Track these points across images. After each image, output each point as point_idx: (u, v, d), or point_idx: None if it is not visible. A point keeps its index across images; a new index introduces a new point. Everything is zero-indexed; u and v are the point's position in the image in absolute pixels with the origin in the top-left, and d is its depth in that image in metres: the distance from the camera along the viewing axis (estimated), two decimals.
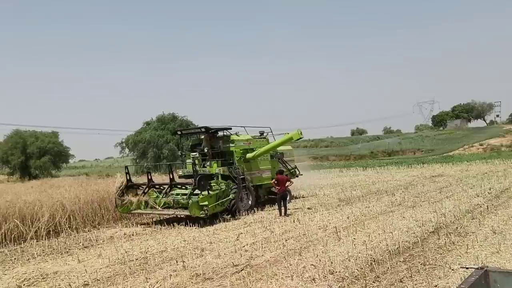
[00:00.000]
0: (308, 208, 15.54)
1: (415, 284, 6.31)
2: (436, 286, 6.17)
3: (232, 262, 8.32)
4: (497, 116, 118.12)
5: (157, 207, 14.19)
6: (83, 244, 11.60)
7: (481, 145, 70.18)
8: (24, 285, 7.83)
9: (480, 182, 20.70)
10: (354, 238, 9.70)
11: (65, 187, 19.88)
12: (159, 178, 20.56)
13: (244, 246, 9.74)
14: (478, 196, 15.49)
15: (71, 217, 14.25)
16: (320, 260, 7.84)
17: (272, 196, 17.33)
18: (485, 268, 2.78)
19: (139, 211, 14.96)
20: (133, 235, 12.57)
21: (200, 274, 7.68)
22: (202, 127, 16.24)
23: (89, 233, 13.26)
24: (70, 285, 7.49)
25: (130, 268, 8.46)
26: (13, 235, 12.46)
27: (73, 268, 8.94)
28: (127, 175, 15.59)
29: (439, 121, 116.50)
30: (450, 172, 29.83)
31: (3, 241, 12.23)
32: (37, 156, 53.13)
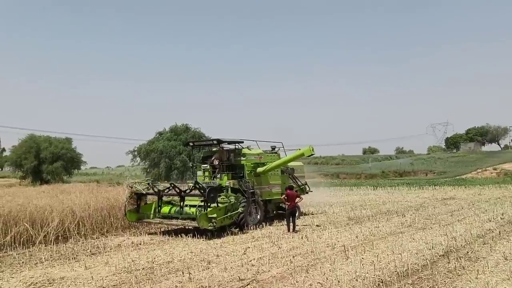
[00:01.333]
0: (317, 225, 15.44)
1: None
2: None
3: (238, 276, 8.28)
4: None
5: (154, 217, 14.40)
6: (90, 251, 11.65)
7: (494, 169, 69.26)
8: None
9: (493, 206, 20.39)
10: (362, 258, 9.60)
11: (75, 193, 20.05)
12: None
13: (251, 261, 9.69)
14: (490, 221, 15.24)
15: (80, 223, 14.36)
16: (327, 279, 7.77)
17: (281, 212, 17.26)
18: None
19: (147, 220, 15.03)
20: (140, 244, 12.59)
21: (206, 286, 7.65)
22: (214, 140, 16.32)
23: (97, 240, 13.32)
24: None
25: (136, 277, 8.46)
26: (22, 239, 12.58)
27: (80, 274, 8.97)
28: (147, 186, 15.72)
29: (452, 143, 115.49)
30: (462, 195, 29.44)
31: (12, 244, 12.35)
32: (49, 161, 53.77)
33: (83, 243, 12.87)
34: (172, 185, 15.10)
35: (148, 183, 15.70)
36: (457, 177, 60.94)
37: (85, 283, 8.18)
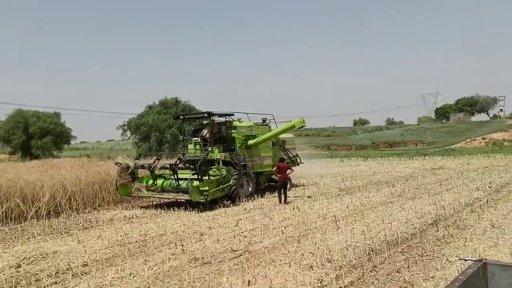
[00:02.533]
0: (308, 197, 15.58)
1: (412, 275, 6.33)
2: (433, 277, 6.20)
3: (231, 248, 8.37)
4: (501, 110, 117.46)
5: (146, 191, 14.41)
6: (83, 225, 11.68)
7: (483, 139, 69.95)
8: (24, 263, 7.89)
9: (481, 176, 20.70)
10: (353, 228, 9.73)
11: (66, 168, 19.94)
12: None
13: (243, 232, 9.78)
14: (478, 189, 15.49)
15: (72, 198, 14.33)
16: (318, 248, 7.88)
17: (273, 184, 17.37)
18: (483, 261, 2.78)
19: (139, 194, 15.01)
20: (133, 217, 12.64)
21: (199, 258, 7.72)
22: (205, 112, 16.21)
23: (89, 215, 13.34)
24: (69, 265, 7.54)
25: (129, 250, 8.52)
26: (13, 214, 12.54)
27: (73, 248, 9.00)
28: (136, 159, 15.70)
29: (442, 113, 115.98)
30: (451, 165, 29.82)
31: (4, 219, 12.32)
32: (38, 136, 53.19)
33: (75, 217, 12.88)
34: (157, 159, 15.06)
35: (137, 157, 15.55)
36: (447, 147, 61.55)
37: (78, 256, 8.22)
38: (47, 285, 6.52)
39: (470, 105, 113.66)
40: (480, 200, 13.10)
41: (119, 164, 15.07)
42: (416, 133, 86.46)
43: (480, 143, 66.75)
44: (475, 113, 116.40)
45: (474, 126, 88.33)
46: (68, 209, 13.78)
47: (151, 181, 14.98)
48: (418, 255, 7.34)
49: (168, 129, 47.91)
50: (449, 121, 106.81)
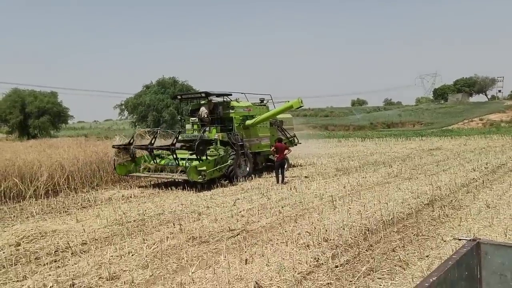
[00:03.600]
0: (305, 177, 15.66)
1: (407, 254, 6.42)
2: (428, 256, 6.29)
3: (228, 227, 8.45)
4: (499, 91, 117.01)
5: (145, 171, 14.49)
6: (81, 204, 11.74)
7: (481, 120, 70.02)
8: (23, 242, 7.96)
9: (478, 156, 20.80)
10: (349, 208, 9.82)
11: (63, 147, 19.97)
12: (159, 142, 20.53)
13: (240, 212, 9.86)
14: (474, 170, 15.58)
15: (70, 178, 14.39)
16: (315, 228, 7.96)
17: (270, 164, 17.42)
18: (477, 240, 2.82)
19: (137, 174, 15.07)
20: (131, 197, 12.71)
21: (197, 237, 7.80)
22: (202, 92, 16.16)
23: (88, 194, 13.40)
24: (68, 243, 7.62)
25: (127, 229, 8.59)
26: (12, 193, 12.60)
27: (72, 227, 9.07)
28: (132, 138, 15.63)
29: (440, 94, 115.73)
30: (448, 146, 29.90)
31: (3, 198, 12.39)
32: (35, 115, 53.04)
33: (73, 196, 12.95)
34: (154, 137, 15.03)
35: (133, 137, 15.46)
36: (444, 128, 61.61)
37: (77, 235, 8.29)
38: (47, 263, 6.60)
39: (469, 86, 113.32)
40: (476, 180, 13.20)
41: (116, 147, 15.04)
42: (414, 114, 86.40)
43: (478, 124, 66.83)
44: (473, 94, 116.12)
45: (472, 107, 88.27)
46: (67, 189, 13.85)
47: (150, 161, 15.04)
48: (414, 235, 7.43)
49: (166, 108, 47.82)
50: (447, 101, 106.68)
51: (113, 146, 15.29)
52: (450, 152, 24.36)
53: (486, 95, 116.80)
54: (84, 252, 7.23)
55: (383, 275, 5.66)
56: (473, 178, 13.65)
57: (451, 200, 10.27)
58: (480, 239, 2.86)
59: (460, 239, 3.01)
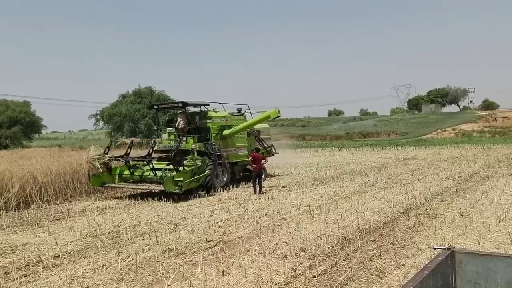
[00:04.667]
0: (283, 187, 15.67)
1: (384, 263, 6.46)
2: (404, 265, 6.34)
3: (206, 238, 8.36)
4: (471, 102, 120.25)
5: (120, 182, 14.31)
6: (54, 217, 11.44)
7: (453, 129, 71.72)
8: None
9: (451, 165, 21.22)
10: (326, 217, 9.85)
11: (36, 158, 19.49)
12: (135, 152, 20.31)
13: (218, 222, 9.78)
14: (448, 179, 15.88)
15: (43, 189, 14.02)
16: (292, 238, 7.95)
17: (248, 174, 17.38)
18: (452, 249, 2.85)
19: (112, 184, 14.85)
20: (105, 208, 12.46)
21: (173, 249, 7.69)
22: (179, 102, 16.06)
23: (61, 206, 13.09)
24: (40, 257, 7.39)
25: (102, 242, 8.40)
26: None
27: (44, 240, 8.82)
28: (108, 148, 15.47)
29: (414, 104, 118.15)
30: (422, 155, 30.46)
31: None
32: (7, 125, 51.81)
33: (46, 208, 12.62)
34: (129, 147, 14.98)
35: (109, 159, 15.22)
36: (418, 137, 62.78)
37: (49, 248, 8.06)
38: (17, 278, 6.37)
39: (441, 97, 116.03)
40: (450, 189, 13.44)
41: (93, 161, 14.76)
42: (389, 124, 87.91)
43: (450, 133, 68.44)
44: (446, 104, 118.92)
45: (445, 117, 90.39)
46: (39, 200, 13.48)
47: (126, 172, 14.85)
48: (390, 244, 7.49)
49: (142, 119, 47.35)
50: (421, 112, 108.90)
51: (89, 158, 14.99)
52: (424, 162, 24.80)
53: (458, 105, 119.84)
54: (56, 266, 7.02)
55: (360, 284, 5.68)
56: (447, 187, 13.90)
57: (426, 209, 10.42)
58: (454, 248, 2.89)
59: (435, 248, 3.03)
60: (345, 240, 7.80)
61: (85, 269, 6.66)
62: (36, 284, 6.08)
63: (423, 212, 10.03)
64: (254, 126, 17.83)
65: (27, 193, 13.46)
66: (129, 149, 15.51)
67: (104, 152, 15.37)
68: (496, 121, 78.53)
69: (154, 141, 16.16)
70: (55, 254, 7.70)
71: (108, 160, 14.86)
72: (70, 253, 7.75)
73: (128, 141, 15.24)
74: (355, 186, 15.09)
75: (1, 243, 8.49)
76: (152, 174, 14.16)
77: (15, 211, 12.17)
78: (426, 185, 14.49)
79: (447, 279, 2.71)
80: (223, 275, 6.14)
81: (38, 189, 13.86)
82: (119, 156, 15.40)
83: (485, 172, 17.92)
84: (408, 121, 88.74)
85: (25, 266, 7.06)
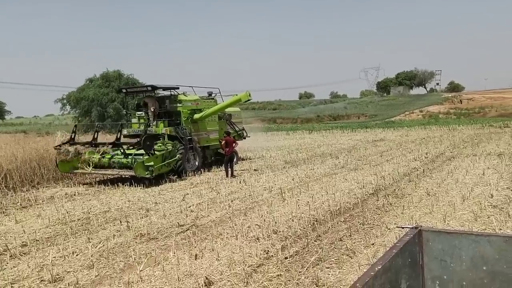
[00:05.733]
0: (255, 170, 15.73)
1: (354, 243, 6.60)
2: (373, 244, 6.50)
3: (178, 222, 8.33)
4: (437, 84, 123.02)
5: (89, 168, 14.03)
6: (21, 204, 11.15)
7: (421, 111, 73.38)
8: None
9: (418, 147, 21.77)
10: (298, 199, 9.96)
11: (0, 144, 18.85)
12: (103, 137, 19.93)
13: (190, 207, 9.75)
14: (415, 160, 16.29)
15: (8, 176, 13.60)
16: (264, 220, 8.01)
17: (219, 158, 17.35)
18: (419, 228, 2.93)
19: (81, 170, 14.54)
20: (75, 195, 12.23)
21: (145, 234, 7.63)
22: (149, 86, 15.80)
23: (28, 193, 12.75)
24: (7, 246, 7.20)
25: (71, 229, 8.26)
26: None
27: (10, 228, 8.60)
28: (73, 133, 15.10)
29: (383, 87, 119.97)
30: (391, 137, 31.10)
31: None
32: None
33: (12, 196, 12.26)
34: (96, 131, 14.81)
35: (73, 131, 15.00)
36: (387, 119, 64.03)
37: (16, 237, 7.86)
38: None
39: (409, 79, 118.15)
40: (417, 170, 13.80)
41: (58, 149, 14.45)
42: (358, 107, 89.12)
43: (418, 115, 70.03)
44: (414, 86, 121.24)
45: (413, 99, 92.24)
46: (4, 188, 13.08)
47: (95, 157, 14.57)
48: (360, 224, 7.65)
49: (111, 103, 46.33)
50: (389, 94, 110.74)
51: (55, 148, 14.64)
52: (393, 143, 25.33)
53: (425, 87, 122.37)
54: (24, 254, 6.86)
55: (331, 264, 5.79)
56: (414, 168, 14.26)
57: (394, 189, 10.68)
58: (421, 226, 2.97)
59: (403, 227, 3.11)
60: (316, 221, 7.92)
61: (54, 257, 6.54)
62: (3, 273, 5.94)
63: (391, 193, 10.28)
64: (225, 110, 17.73)
65: None
66: (96, 134, 15.25)
67: (71, 138, 15.02)
68: (461, 103, 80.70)
69: (121, 124, 15.94)
70: (23, 242, 7.52)
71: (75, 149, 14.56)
72: (38, 241, 7.59)
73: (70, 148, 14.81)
74: (326, 168, 15.29)
75: None
76: (122, 159, 13.94)
77: None
78: (394, 166, 14.82)
79: (414, 257, 2.79)
80: (195, 259, 6.15)
81: (3, 176, 13.44)
82: (86, 142, 15.10)
83: (451, 152, 18.46)
84: (377, 104, 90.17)
85: None
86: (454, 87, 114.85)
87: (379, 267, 2.19)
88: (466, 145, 21.74)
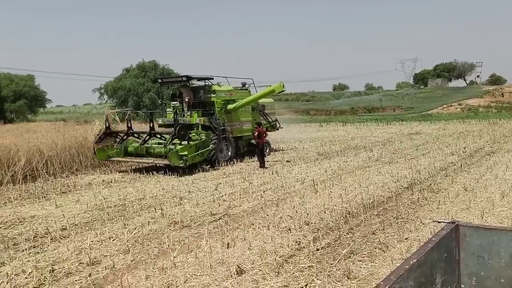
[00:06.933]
0: (287, 161, 15.71)
1: (387, 236, 6.52)
2: (407, 239, 6.40)
3: (210, 211, 8.44)
4: (478, 76, 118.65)
5: (124, 156, 14.48)
6: (60, 190, 11.57)
7: (459, 104, 71.11)
8: (1, 227, 7.82)
9: (456, 141, 21.16)
10: (330, 191, 9.90)
11: (41, 132, 19.60)
12: (139, 126, 20.37)
13: (222, 196, 9.86)
14: (453, 154, 15.86)
15: (48, 163, 14.13)
16: (296, 212, 8.01)
17: (252, 148, 17.42)
18: (456, 223, 2.86)
19: (117, 158, 14.95)
20: (111, 182, 12.57)
21: (178, 221, 7.78)
22: (184, 76, 15.98)
23: (67, 179, 13.21)
24: (47, 229, 7.51)
25: (108, 214, 8.51)
26: None
27: (51, 212, 8.94)
28: (107, 122, 15.48)
29: (420, 79, 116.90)
30: (427, 130, 30.34)
31: None
32: (11, 99, 51.86)
33: (52, 182, 12.75)
34: (128, 120, 15.15)
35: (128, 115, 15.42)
36: (424, 112, 62.41)
37: (56, 221, 8.18)
38: (26, 249, 6.50)
39: (448, 71, 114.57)
40: (454, 164, 13.44)
41: (98, 140, 14.92)
42: (394, 99, 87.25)
43: (456, 108, 67.89)
44: (453, 79, 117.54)
45: (451, 92, 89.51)
46: (45, 174, 13.60)
47: (131, 146, 14.95)
48: (393, 218, 7.54)
49: (146, 93, 47.23)
50: (427, 86, 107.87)
51: (95, 143, 15.08)
52: (429, 137, 24.72)
53: (465, 80, 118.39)
54: (64, 237, 7.14)
55: (363, 257, 5.74)
56: (452, 162, 13.89)
57: (430, 184, 10.45)
58: (459, 221, 2.90)
59: (439, 222, 3.05)
60: (349, 214, 7.86)
61: (92, 241, 6.77)
62: (44, 255, 6.19)
63: (427, 187, 10.06)
64: (259, 101, 17.75)
65: (33, 167, 13.58)
66: (129, 122, 15.57)
67: (106, 127, 15.41)
68: (503, 96, 77.62)
69: (151, 113, 16.22)
70: (63, 226, 7.82)
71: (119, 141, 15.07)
72: (77, 225, 7.87)
73: (112, 113, 15.23)
74: (359, 161, 15.11)
75: (10, 215, 8.62)
76: (157, 148, 14.23)
77: (22, 184, 12.30)
78: (430, 160, 14.48)
79: (451, 252, 2.73)
80: (227, 248, 6.22)
81: (44, 162, 13.97)
82: (121, 131, 15.47)
83: (490, 147, 17.86)
84: (414, 96, 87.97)
85: (34, 237, 7.19)
86: (495, 80, 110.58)
87: (414, 261, 2.17)
88: (507, 139, 20.96)
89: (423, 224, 7.11)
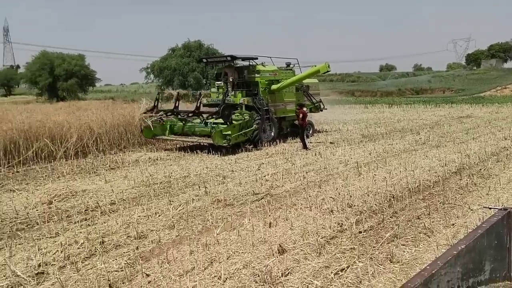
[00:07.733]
0: (331, 143, 15.56)
1: (432, 222, 6.37)
2: (454, 224, 6.23)
3: (253, 191, 8.52)
4: None
5: (170, 135, 14.98)
6: (109, 166, 12.03)
7: None
8: (55, 200, 8.24)
9: (510, 125, 20.16)
10: (374, 174, 9.74)
11: (91, 110, 20.28)
12: (184, 106, 20.71)
13: (265, 176, 9.92)
14: (506, 139, 15.14)
15: (98, 140, 14.69)
16: (339, 194, 7.95)
17: (295, 129, 17.34)
18: (508, 209, 2.75)
19: (163, 137, 15.30)
20: (157, 159, 12.92)
21: (221, 200, 7.92)
22: (228, 56, 16.02)
23: (115, 156, 13.69)
24: (98, 203, 7.85)
25: (154, 191, 8.78)
26: (43, 154, 12.97)
27: (101, 187, 9.33)
28: (156, 101, 15.84)
29: (473, 60, 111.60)
30: (479, 113, 29.06)
31: (35, 158, 12.79)
32: (64, 78, 53.92)
33: (102, 158, 13.26)
34: (177, 100, 15.39)
35: (160, 117, 15.63)
36: (476, 95, 59.73)
37: (106, 195, 8.53)
38: (78, 221, 6.84)
39: (504, 51, 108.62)
40: (507, 149, 12.85)
41: (144, 117, 15.29)
42: (444, 80, 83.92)
43: (511, 91, 64.53)
44: (508, 60, 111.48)
45: (506, 74, 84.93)
46: (95, 150, 14.17)
47: (177, 125, 15.26)
48: (440, 203, 7.34)
49: (191, 72, 47.81)
50: (480, 67, 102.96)
51: (141, 116, 15.48)
52: (480, 120, 23.68)
53: None
54: (113, 211, 7.44)
55: (407, 241, 5.65)
56: (504, 147, 13.29)
57: (480, 169, 10.06)
58: (511, 208, 2.79)
59: (490, 208, 2.95)
60: (393, 197, 7.72)
61: (139, 216, 7.03)
62: (95, 228, 6.50)
63: (476, 172, 9.69)
64: (303, 81, 17.57)
65: (84, 143, 14.17)
66: (177, 102, 15.84)
67: (154, 106, 15.77)
68: None
69: (200, 93, 16.40)
70: (112, 200, 8.15)
71: (159, 118, 15.32)
72: (125, 200, 8.18)
73: (174, 92, 15.64)
74: (405, 144, 14.73)
75: (63, 188, 9.06)
76: (201, 127, 14.45)
77: (74, 159, 12.88)
78: (481, 144, 13.90)
79: (501, 239, 2.64)
80: (270, 227, 6.29)
81: (94, 139, 14.54)
82: (169, 111, 15.75)
83: None
84: (465, 78, 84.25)
85: (85, 210, 7.55)
86: None
87: (462, 247, 2.11)
88: None
89: (471, 210, 6.88)
